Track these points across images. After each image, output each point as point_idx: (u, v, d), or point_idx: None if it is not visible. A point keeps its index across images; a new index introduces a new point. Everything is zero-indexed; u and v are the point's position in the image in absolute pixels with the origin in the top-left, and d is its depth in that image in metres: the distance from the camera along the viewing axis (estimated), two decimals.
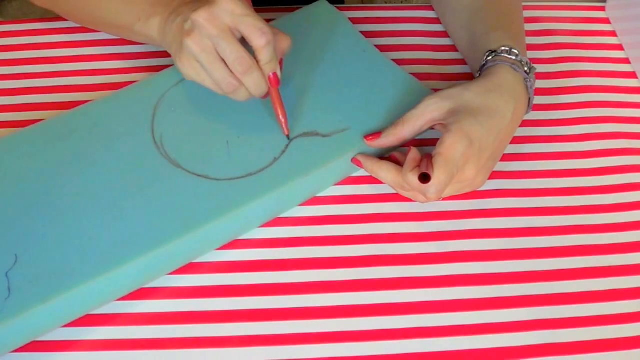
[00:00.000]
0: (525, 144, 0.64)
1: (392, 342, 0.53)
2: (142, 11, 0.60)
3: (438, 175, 0.52)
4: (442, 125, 0.56)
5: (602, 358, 0.53)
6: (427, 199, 0.55)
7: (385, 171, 0.57)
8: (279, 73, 0.56)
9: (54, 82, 0.66)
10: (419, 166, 0.54)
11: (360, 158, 0.58)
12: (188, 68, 0.55)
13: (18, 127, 0.60)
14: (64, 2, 0.65)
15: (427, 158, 0.54)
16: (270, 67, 0.55)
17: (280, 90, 0.58)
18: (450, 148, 0.53)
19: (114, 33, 0.66)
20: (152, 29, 0.60)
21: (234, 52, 0.53)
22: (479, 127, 0.54)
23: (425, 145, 0.63)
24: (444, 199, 0.59)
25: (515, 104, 0.57)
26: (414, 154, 0.55)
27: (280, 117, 0.58)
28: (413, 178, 0.53)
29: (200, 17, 0.52)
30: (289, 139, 0.59)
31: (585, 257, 0.58)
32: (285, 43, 0.57)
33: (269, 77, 0.55)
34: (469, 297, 0.55)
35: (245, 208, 0.55)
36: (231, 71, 0.54)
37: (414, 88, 0.63)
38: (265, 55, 0.54)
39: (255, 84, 0.55)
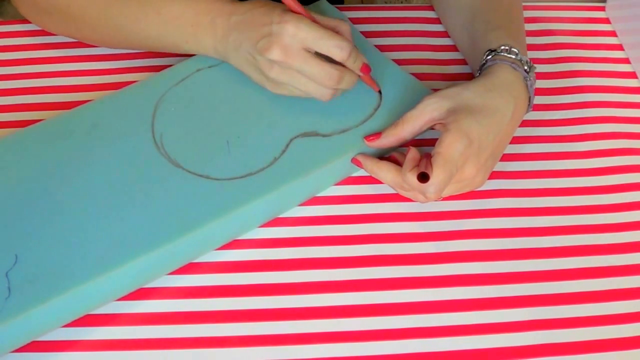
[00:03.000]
0: (525, 144, 0.64)
1: (392, 342, 0.53)
2: (187, 33, 0.60)
3: (437, 175, 0.52)
4: (441, 125, 0.56)
5: (602, 358, 0.53)
6: (426, 199, 0.55)
7: (384, 171, 0.57)
8: (366, 61, 0.58)
9: (54, 82, 0.66)
10: (418, 166, 0.54)
11: (359, 158, 0.58)
12: (282, 91, 0.58)
13: (18, 127, 0.60)
14: (90, 29, 0.63)
15: (427, 158, 0.54)
16: (357, 64, 0.57)
17: None
18: (450, 147, 0.53)
19: (154, 50, 0.66)
20: (204, 50, 0.61)
21: (320, 73, 0.55)
22: (478, 127, 0.54)
23: (424, 145, 0.63)
24: (444, 199, 0.59)
25: (515, 103, 0.57)
26: (413, 153, 0.55)
27: (372, 84, 0.61)
28: (412, 178, 0.53)
29: (275, 55, 0.54)
30: (380, 93, 0.62)
31: (585, 257, 0.58)
32: (346, 30, 0.58)
33: (361, 69, 0.58)
34: (469, 297, 0.55)
35: (245, 208, 0.55)
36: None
37: (414, 88, 0.63)
38: (350, 61, 0.56)
39: (349, 84, 0.58)
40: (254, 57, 0.57)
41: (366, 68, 0.58)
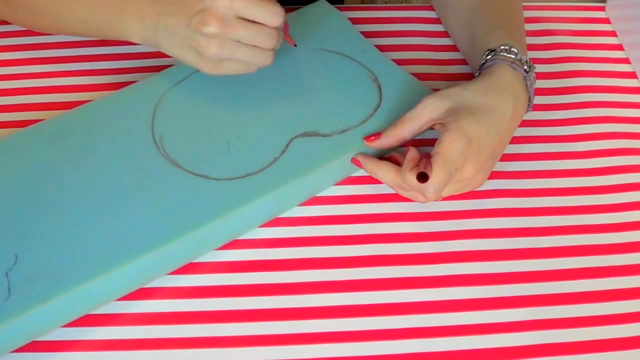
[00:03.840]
0: (525, 144, 0.64)
1: (392, 342, 0.53)
2: (111, 19, 0.59)
3: (436, 175, 0.52)
4: (441, 125, 0.56)
5: (602, 358, 0.53)
6: (426, 199, 0.55)
7: (384, 171, 0.57)
8: (284, 18, 0.57)
9: (54, 82, 0.66)
10: (417, 166, 0.54)
11: (359, 158, 0.58)
12: (220, 70, 0.57)
13: (18, 127, 0.60)
14: (23, 12, 0.63)
15: (426, 157, 0.54)
16: (283, 24, 0.57)
17: (282, 88, 0.60)
18: (449, 147, 0.53)
19: (80, 36, 0.66)
20: (129, 37, 0.59)
21: (260, 35, 0.55)
22: (477, 126, 0.54)
23: (424, 145, 0.63)
24: (444, 199, 0.59)
25: (514, 102, 0.57)
26: (412, 153, 0.55)
27: (285, 34, 0.60)
28: (411, 178, 0.53)
29: (212, 28, 0.53)
30: (296, 45, 0.63)
31: (585, 257, 0.58)
32: None
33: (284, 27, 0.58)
34: (469, 297, 0.55)
35: (245, 208, 0.55)
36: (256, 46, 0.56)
37: (414, 88, 0.63)
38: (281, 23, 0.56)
39: (280, 42, 0.57)
40: (188, 37, 0.55)
41: (286, 26, 0.60)
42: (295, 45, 0.63)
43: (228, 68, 0.57)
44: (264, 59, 0.57)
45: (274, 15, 0.54)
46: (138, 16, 0.58)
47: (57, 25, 0.63)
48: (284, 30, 0.59)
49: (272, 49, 0.56)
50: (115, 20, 0.59)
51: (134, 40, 0.60)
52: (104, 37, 0.61)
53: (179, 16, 0.55)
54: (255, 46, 0.55)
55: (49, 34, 0.69)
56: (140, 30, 0.58)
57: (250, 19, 0.54)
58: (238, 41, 0.55)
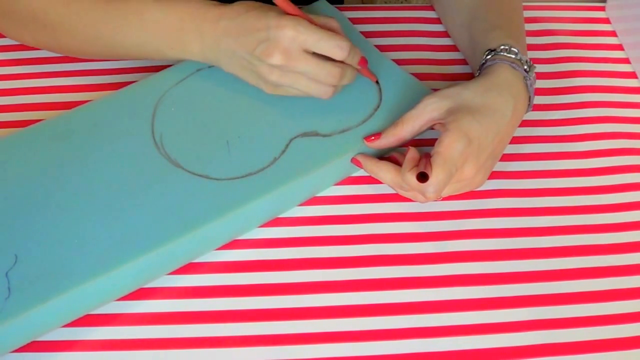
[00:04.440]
0: (525, 144, 0.64)
1: (392, 342, 0.53)
2: (171, 39, 0.59)
3: (436, 175, 0.52)
4: (441, 125, 0.56)
5: (602, 358, 0.53)
6: (426, 199, 0.55)
7: (384, 171, 0.57)
8: (362, 54, 0.58)
9: (54, 82, 0.66)
10: (417, 166, 0.54)
11: (359, 158, 0.58)
12: (280, 92, 0.58)
13: (18, 127, 0.60)
14: (68, 38, 0.61)
15: (426, 157, 0.54)
16: (356, 59, 0.58)
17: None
18: (449, 147, 0.53)
19: (134, 59, 0.65)
20: (190, 56, 0.60)
21: (322, 72, 0.55)
22: (477, 126, 0.54)
23: (424, 145, 0.63)
24: (444, 199, 0.59)
25: (514, 102, 0.57)
26: (412, 153, 0.55)
27: (369, 76, 0.62)
28: (411, 177, 0.53)
29: (277, 60, 0.54)
30: (378, 83, 0.63)
31: (585, 257, 0.58)
32: (337, 26, 0.58)
33: (359, 63, 0.58)
34: (469, 297, 0.55)
35: (245, 208, 0.55)
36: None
37: (414, 88, 0.63)
38: (349, 58, 0.56)
39: (350, 79, 0.59)
40: (251, 62, 0.56)
41: (364, 61, 0.59)
42: (377, 83, 0.63)
43: (287, 92, 0.58)
44: (322, 93, 0.57)
45: (339, 50, 0.55)
46: (199, 35, 0.58)
47: (112, 51, 0.62)
48: (362, 64, 0.59)
49: (333, 85, 0.57)
50: (175, 40, 0.58)
51: (194, 59, 0.60)
52: (163, 58, 0.61)
53: (243, 42, 0.56)
54: (315, 80, 0.56)
55: (99, 60, 0.67)
56: (201, 49, 0.58)
57: (315, 51, 0.55)
58: (300, 73, 0.56)
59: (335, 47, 0.55)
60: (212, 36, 0.57)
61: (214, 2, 0.58)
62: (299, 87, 0.57)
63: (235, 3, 0.58)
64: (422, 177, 0.52)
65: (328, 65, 0.55)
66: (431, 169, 0.52)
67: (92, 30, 0.59)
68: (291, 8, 0.56)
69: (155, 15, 0.58)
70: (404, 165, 0.55)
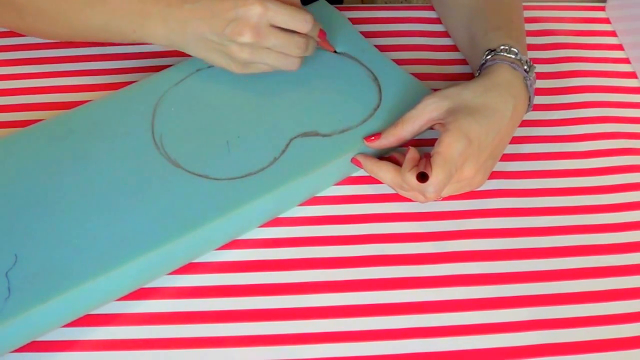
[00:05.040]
0: (525, 144, 0.64)
1: (392, 342, 0.53)
2: (134, 22, 0.58)
3: (436, 175, 0.52)
4: (440, 125, 0.56)
5: (602, 358, 0.53)
6: (426, 199, 0.55)
7: (384, 171, 0.57)
8: (320, 26, 0.61)
9: (54, 82, 0.66)
10: (417, 166, 0.54)
11: (359, 158, 0.58)
12: (249, 70, 0.59)
13: (18, 127, 0.60)
14: (33, 18, 0.61)
15: (426, 157, 0.54)
16: (316, 31, 0.60)
17: (282, 89, 0.60)
18: (449, 147, 0.53)
19: (100, 41, 0.65)
20: (153, 40, 0.59)
21: (290, 44, 0.57)
22: (477, 126, 0.54)
23: (424, 145, 0.63)
24: (444, 199, 0.59)
25: (514, 102, 0.57)
26: (412, 153, 0.55)
27: (330, 49, 0.64)
28: (411, 177, 0.53)
29: (247, 38, 0.55)
30: (336, 51, 0.65)
31: (585, 257, 0.58)
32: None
33: (319, 35, 0.61)
34: (469, 297, 0.55)
35: (245, 208, 0.55)
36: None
37: (414, 88, 0.63)
38: (312, 31, 0.58)
39: (312, 50, 0.60)
40: (220, 43, 0.57)
41: (322, 34, 0.61)
42: (335, 52, 0.65)
43: (256, 68, 0.59)
44: (290, 65, 0.59)
45: (305, 23, 0.56)
46: (162, 19, 0.58)
47: (75, 32, 0.62)
48: (321, 37, 0.61)
49: (300, 56, 0.59)
50: (139, 24, 0.58)
51: (158, 43, 0.60)
52: (127, 41, 0.61)
53: (211, 22, 0.56)
54: (284, 53, 0.57)
55: (67, 42, 0.68)
56: (165, 33, 0.58)
57: (282, 26, 0.56)
58: (269, 48, 0.57)
59: (302, 21, 0.56)
60: (177, 20, 0.57)
61: None
62: (269, 62, 0.58)
63: None
64: (422, 177, 0.52)
65: (295, 37, 0.57)
66: (431, 169, 0.52)
67: (56, 11, 0.60)
68: None
69: None
70: (404, 165, 0.55)
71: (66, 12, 0.60)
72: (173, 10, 0.57)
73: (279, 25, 0.56)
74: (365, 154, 0.59)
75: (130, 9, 0.58)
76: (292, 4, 0.57)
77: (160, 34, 0.58)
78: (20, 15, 0.61)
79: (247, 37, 0.55)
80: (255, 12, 0.54)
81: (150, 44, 0.61)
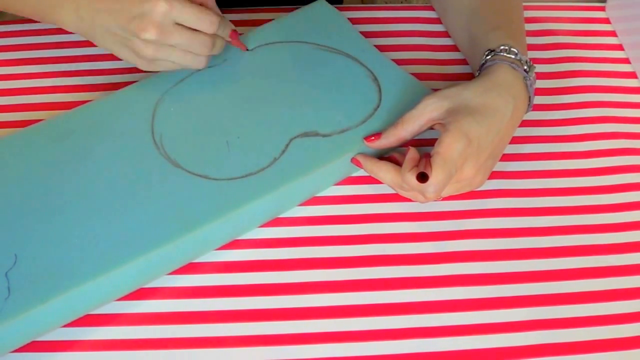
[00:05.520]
0: (525, 144, 0.64)
1: (392, 342, 0.53)
2: (46, 5, 0.58)
3: (436, 175, 0.52)
4: (440, 125, 0.56)
5: (602, 358, 0.53)
6: (426, 199, 0.55)
7: (384, 171, 0.57)
8: (233, 27, 0.61)
9: (54, 82, 0.66)
10: (417, 166, 0.54)
11: (359, 158, 0.58)
12: (155, 68, 0.59)
13: (18, 127, 0.60)
14: None
15: (426, 158, 0.54)
16: (226, 31, 0.60)
17: (282, 89, 0.60)
18: (449, 147, 0.53)
19: (18, 14, 0.64)
20: (63, 26, 0.59)
21: (195, 43, 0.57)
22: (477, 126, 0.54)
23: (424, 145, 0.63)
24: (444, 199, 0.59)
25: (514, 102, 0.57)
26: (412, 153, 0.55)
27: (234, 40, 0.62)
28: (411, 178, 0.53)
29: (151, 35, 0.55)
30: (247, 49, 0.65)
31: (585, 257, 0.58)
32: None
33: (230, 35, 0.61)
34: (469, 297, 0.55)
35: (245, 208, 0.55)
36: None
37: (414, 88, 0.63)
38: (220, 31, 0.58)
39: (219, 49, 0.61)
40: (125, 37, 0.56)
41: (234, 34, 0.61)
42: (247, 50, 0.64)
43: (161, 66, 0.59)
44: (196, 63, 0.59)
45: (210, 24, 0.57)
46: (74, 7, 0.58)
47: None
48: (232, 37, 0.61)
49: (206, 55, 0.59)
50: (50, 6, 0.59)
51: (68, 29, 0.60)
52: (41, 20, 0.61)
53: (117, 16, 0.56)
54: (189, 51, 0.58)
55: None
56: (75, 21, 0.58)
57: (187, 25, 0.56)
58: (173, 46, 0.57)
59: (207, 22, 0.57)
60: (88, 10, 0.57)
61: None
62: (174, 60, 0.58)
63: None
64: (422, 178, 0.52)
65: (200, 36, 0.57)
66: (431, 169, 0.52)
67: None
68: None
69: None
70: (403, 166, 0.55)
71: None
72: (84, 2, 0.57)
73: (184, 24, 0.56)
74: (365, 154, 0.59)
75: None
76: (201, 3, 0.57)
77: (70, 21, 0.59)
78: None
79: (150, 34, 0.55)
80: (160, 9, 0.54)
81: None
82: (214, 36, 0.58)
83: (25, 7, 0.61)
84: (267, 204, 0.56)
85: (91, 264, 0.51)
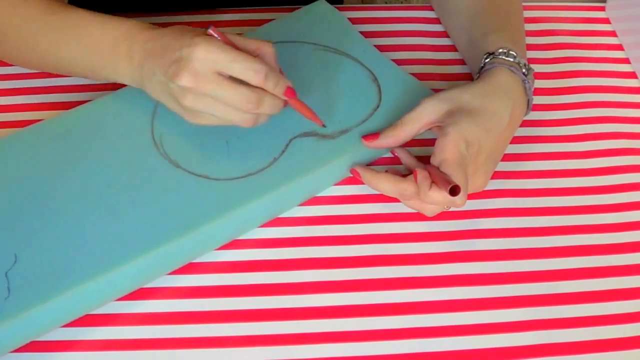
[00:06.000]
0: (525, 144, 0.64)
1: (392, 342, 0.53)
2: (104, 59, 0.57)
3: (460, 180, 0.52)
4: (438, 128, 0.56)
5: (602, 358, 0.53)
6: (456, 205, 0.54)
7: (384, 182, 0.56)
8: (290, 84, 0.54)
9: (54, 82, 0.66)
10: (434, 181, 0.54)
11: (358, 170, 0.58)
12: (201, 120, 0.54)
13: (18, 127, 0.60)
14: (7, 45, 0.60)
15: (433, 170, 0.54)
16: (279, 88, 0.53)
17: None
18: (453, 152, 0.53)
19: (70, 75, 0.63)
20: (121, 78, 0.57)
21: (235, 96, 0.51)
22: (476, 129, 0.54)
23: (423, 145, 0.63)
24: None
25: (513, 105, 0.57)
26: (423, 173, 0.54)
27: (309, 116, 0.57)
28: (439, 195, 0.53)
29: (185, 81, 0.50)
30: (325, 126, 0.58)
31: (585, 257, 0.58)
32: (269, 52, 0.54)
33: (285, 93, 0.54)
34: (469, 297, 0.55)
35: (244, 208, 0.55)
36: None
37: (414, 88, 0.63)
38: (269, 84, 0.52)
39: (271, 108, 0.54)
40: (166, 84, 0.53)
41: (291, 92, 0.54)
42: (324, 126, 0.58)
43: (206, 119, 0.54)
44: (242, 121, 0.53)
45: (254, 73, 0.51)
46: (129, 56, 0.55)
47: (44, 63, 0.60)
48: (289, 95, 0.54)
49: (252, 112, 0.53)
50: (107, 60, 0.56)
51: (124, 82, 0.58)
52: (95, 77, 0.59)
53: (160, 62, 0.53)
54: (231, 106, 0.52)
55: (40, 72, 0.66)
56: (129, 71, 0.56)
57: (229, 73, 0.51)
58: (213, 97, 0.52)
59: (248, 70, 0.51)
60: (138, 58, 0.55)
61: (151, 24, 0.56)
62: (216, 114, 0.53)
63: (172, 27, 0.55)
64: (454, 191, 0.52)
65: (242, 89, 0.51)
66: (446, 179, 0.52)
67: (31, 40, 0.58)
68: (212, 30, 0.52)
69: (91, 32, 0.56)
70: (421, 187, 0.54)
71: (39, 44, 0.58)
72: (138, 49, 0.55)
73: (224, 72, 0.51)
74: (363, 166, 0.59)
75: (101, 45, 0.56)
76: (259, 54, 0.53)
77: (126, 72, 0.56)
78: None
79: (184, 81, 0.50)
80: (197, 55, 0.50)
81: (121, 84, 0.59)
82: (261, 91, 0.52)
83: (78, 67, 0.59)
84: (267, 204, 0.56)
85: (91, 264, 0.51)
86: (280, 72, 0.55)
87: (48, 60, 0.60)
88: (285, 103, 0.55)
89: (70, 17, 0.57)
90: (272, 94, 0.53)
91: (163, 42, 0.53)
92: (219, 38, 0.52)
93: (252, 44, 0.54)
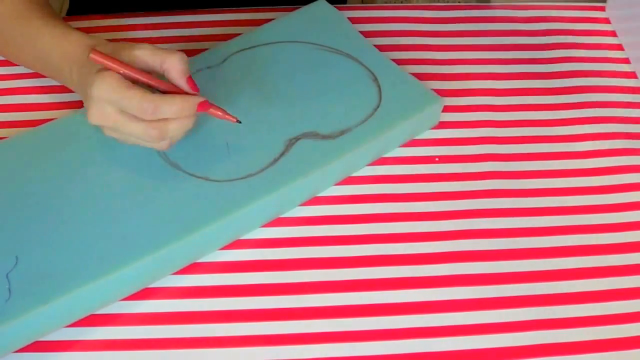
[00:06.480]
0: (525, 144, 0.64)
1: (392, 342, 0.53)
2: (57, 71, 0.58)
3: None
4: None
5: (602, 358, 0.53)
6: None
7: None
8: (202, 99, 0.53)
9: (54, 82, 0.66)
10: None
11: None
12: (111, 136, 0.54)
13: (18, 127, 0.61)
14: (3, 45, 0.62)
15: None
16: (185, 111, 0.52)
17: (282, 89, 0.59)
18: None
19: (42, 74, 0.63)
20: (68, 85, 0.59)
21: (138, 132, 0.51)
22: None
23: (424, 145, 0.63)
24: (444, 199, 0.59)
25: None
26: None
27: (221, 114, 0.56)
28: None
29: (94, 120, 0.51)
30: (240, 122, 0.57)
31: (585, 257, 0.58)
32: (173, 66, 0.52)
33: (198, 108, 0.53)
34: (469, 297, 0.55)
35: (245, 209, 0.55)
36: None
37: (413, 88, 0.63)
38: (166, 113, 0.51)
39: (178, 131, 0.53)
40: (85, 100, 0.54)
41: (203, 106, 0.53)
42: (239, 122, 0.57)
43: (124, 139, 0.54)
44: (156, 147, 0.54)
45: (144, 112, 0.50)
46: (70, 76, 0.56)
47: (20, 61, 0.63)
48: (202, 109, 0.53)
49: (160, 141, 0.52)
50: (60, 75, 0.58)
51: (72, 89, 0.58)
52: (66, 84, 0.59)
53: (82, 93, 0.54)
54: (140, 138, 0.52)
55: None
56: (74, 88, 0.57)
57: (126, 111, 0.50)
58: (122, 132, 0.52)
59: (138, 110, 0.50)
60: (76, 81, 0.56)
61: (102, 41, 0.55)
62: (131, 143, 0.54)
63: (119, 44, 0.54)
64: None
65: (142, 126, 0.51)
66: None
67: (1, 38, 0.61)
68: (106, 60, 0.51)
69: (44, 46, 0.57)
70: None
71: (15, 40, 0.60)
72: (75, 70, 0.55)
73: (122, 109, 0.50)
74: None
75: (51, 59, 0.57)
76: (161, 64, 0.52)
77: (73, 87, 0.58)
78: None
79: (92, 119, 0.51)
80: (96, 92, 0.50)
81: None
82: (158, 125, 0.51)
83: (44, 69, 0.61)
84: (267, 205, 0.56)
85: (92, 266, 0.51)
86: (190, 80, 0.53)
87: (20, 59, 0.62)
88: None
89: (32, 25, 0.58)
90: (175, 120, 0.52)
91: (83, 72, 0.53)
92: (111, 64, 0.51)
93: (157, 59, 0.52)
